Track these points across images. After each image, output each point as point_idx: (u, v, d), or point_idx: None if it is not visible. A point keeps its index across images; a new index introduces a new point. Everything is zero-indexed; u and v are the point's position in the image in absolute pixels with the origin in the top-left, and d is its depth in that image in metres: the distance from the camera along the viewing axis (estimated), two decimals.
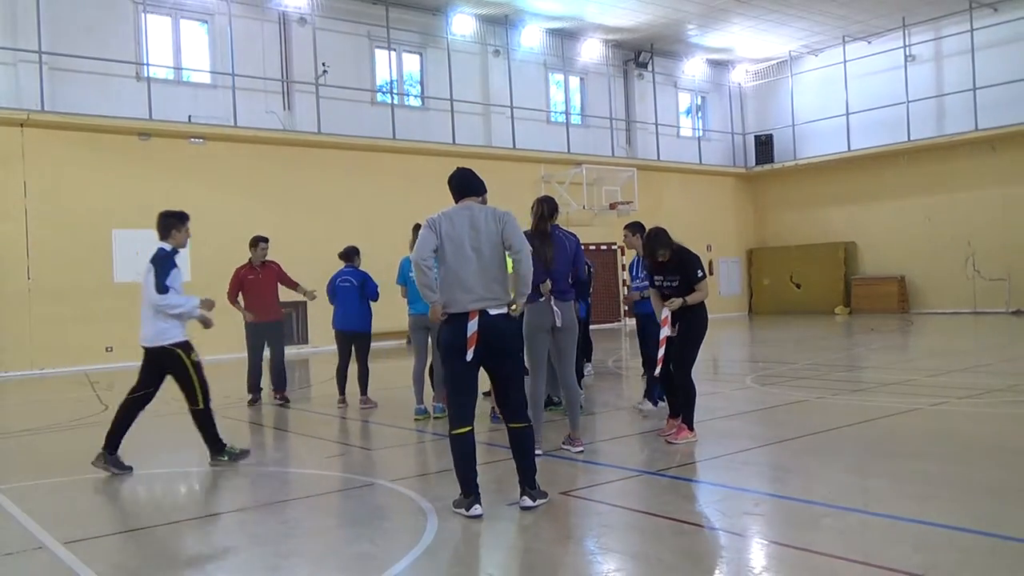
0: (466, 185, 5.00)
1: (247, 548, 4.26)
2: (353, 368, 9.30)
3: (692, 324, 6.55)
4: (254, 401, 9.89)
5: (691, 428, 6.50)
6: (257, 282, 9.80)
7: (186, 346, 6.21)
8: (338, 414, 8.96)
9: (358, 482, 5.69)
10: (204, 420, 6.34)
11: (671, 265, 6.53)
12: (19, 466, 6.90)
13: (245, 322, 9.94)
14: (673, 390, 6.75)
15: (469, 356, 4.64)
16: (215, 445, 6.34)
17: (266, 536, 4.47)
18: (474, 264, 4.70)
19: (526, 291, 4.91)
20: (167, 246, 6.33)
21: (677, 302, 6.46)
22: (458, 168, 5.13)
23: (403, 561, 3.91)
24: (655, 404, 8.01)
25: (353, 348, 9.27)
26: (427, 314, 5.61)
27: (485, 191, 5.07)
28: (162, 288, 6.07)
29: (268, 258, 9.98)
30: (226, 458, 6.32)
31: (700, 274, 6.46)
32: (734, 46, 25.36)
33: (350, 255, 9.42)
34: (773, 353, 14.35)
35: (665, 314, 6.57)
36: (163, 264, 6.17)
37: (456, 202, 4.96)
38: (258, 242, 9.88)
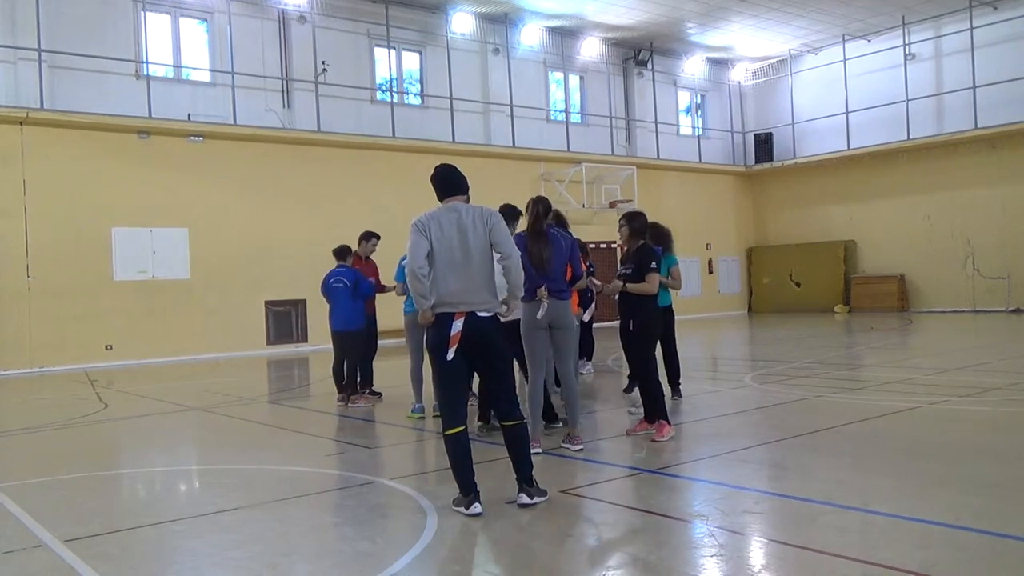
0: (450, 183, 4.93)
1: (246, 546, 4.26)
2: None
3: (643, 321, 6.63)
4: (371, 394, 9.54)
5: (669, 422, 6.55)
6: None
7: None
8: (337, 412, 8.96)
9: (358, 480, 5.68)
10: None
11: (632, 254, 6.66)
12: (19, 464, 6.90)
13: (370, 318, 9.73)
14: (647, 393, 6.82)
15: (449, 355, 4.65)
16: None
17: (265, 534, 4.47)
18: (462, 268, 4.68)
19: (519, 294, 4.94)
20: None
21: (617, 285, 6.59)
22: (442, 165, 5.03)
23: (403, 559, 3.91)
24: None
25: (343, 347, 9.26)
26: None
27: (468, 188, 4.98)
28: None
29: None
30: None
31: (652, 265, 6.52)
32: (734, 44, 25.36)
33: (343, 254, 9.38)
34: (773, 352, 14.35)
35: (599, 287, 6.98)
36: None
37: (440, 199, 4.93)
38: (370, 237, 9.77)
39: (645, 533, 4.27)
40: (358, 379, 9.41)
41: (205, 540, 4.43)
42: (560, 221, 7.46)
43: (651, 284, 6.50)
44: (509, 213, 6.85)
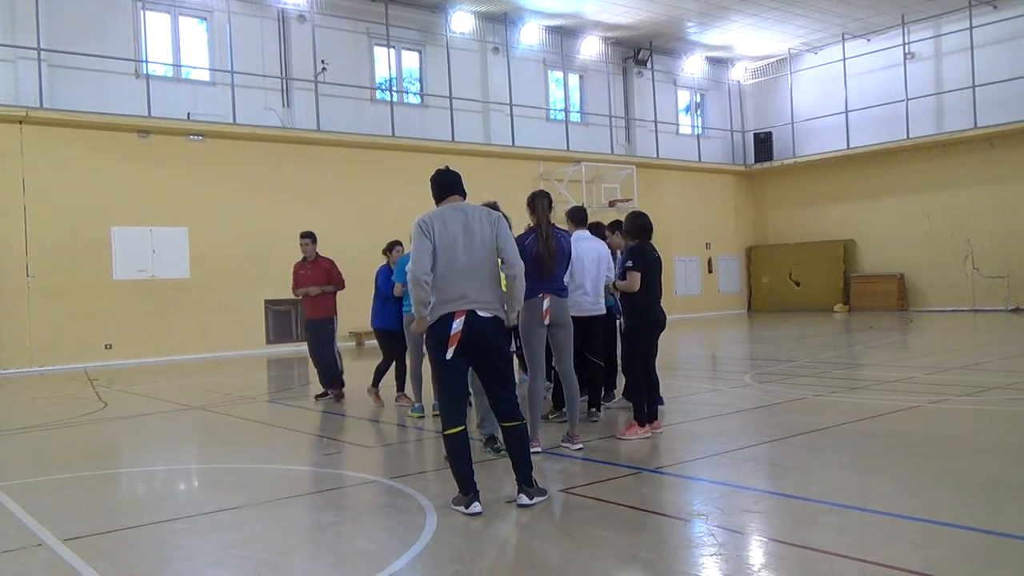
0: (451, 184, 4.93)
1: (246, 545, 4.26)
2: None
3: (630, 321, 6.78)
4: (323, 396, 9.72)
5: (642, 424, 6.57)
6: (307, 277, 9.73)
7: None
8: (338, 411, 8.96)
9: (357, 479, 5.69)
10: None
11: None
12: (19, 463, 6.90)
13: (303, 320, 9.91)
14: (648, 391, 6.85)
15: (448, 355, 4.65)
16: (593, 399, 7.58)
17: (265, 533, 4.47)
18: (466, 269, 4.67)
19: (518, 307, 4.98)
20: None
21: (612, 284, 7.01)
22: (446, 168, 5.04)
23: (402, 558, 3.91)
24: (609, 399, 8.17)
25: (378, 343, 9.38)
26: None
27: (465, 195, 5.00)
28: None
29: (321, 254, 9.89)
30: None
31: (627, 264, 6.61)
32: (733, 44, 25.36)
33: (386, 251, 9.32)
34: (772, 351, 14.35)
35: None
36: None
37: (438, 201, 4.93)
38: (302, 237, 9.84)
39: (645, 532, 4.27)
40: (396, 376, 9.21)
41: (205, 539, 4.43)
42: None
43: (628, 281, 6.59)
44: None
